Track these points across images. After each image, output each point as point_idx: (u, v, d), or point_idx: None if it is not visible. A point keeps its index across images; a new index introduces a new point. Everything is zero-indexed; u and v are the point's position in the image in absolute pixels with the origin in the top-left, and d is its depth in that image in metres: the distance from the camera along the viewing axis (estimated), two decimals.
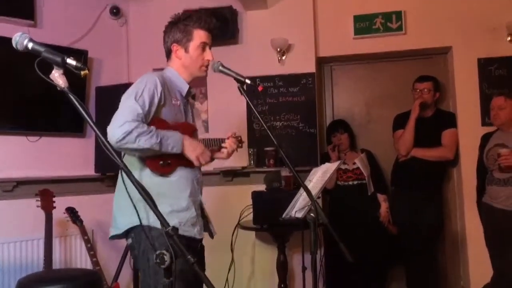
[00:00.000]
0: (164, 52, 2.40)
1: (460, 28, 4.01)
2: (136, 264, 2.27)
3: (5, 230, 3.58)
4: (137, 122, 1.97)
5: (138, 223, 2.00)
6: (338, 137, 4.11)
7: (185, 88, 2.33)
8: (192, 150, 2.20)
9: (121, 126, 1.92)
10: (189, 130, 2.31)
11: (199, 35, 2.31)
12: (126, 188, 1.64)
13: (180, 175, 2.22)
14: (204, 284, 1.44)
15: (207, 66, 2.37)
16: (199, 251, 2.39)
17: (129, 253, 3.31)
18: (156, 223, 2.05)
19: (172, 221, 2.09)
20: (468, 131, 3.92)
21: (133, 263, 2.33)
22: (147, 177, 2.13)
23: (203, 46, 2.33)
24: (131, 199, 1.63)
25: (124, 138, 1.92)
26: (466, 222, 3.93)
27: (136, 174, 1.94)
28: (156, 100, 2.12)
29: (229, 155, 2.55)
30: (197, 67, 2.35)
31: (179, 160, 2.19)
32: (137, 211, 1.67)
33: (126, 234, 2.19)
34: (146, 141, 1.99)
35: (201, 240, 2.36)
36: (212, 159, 2.43)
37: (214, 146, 2.60)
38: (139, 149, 1.99)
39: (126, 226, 2.15)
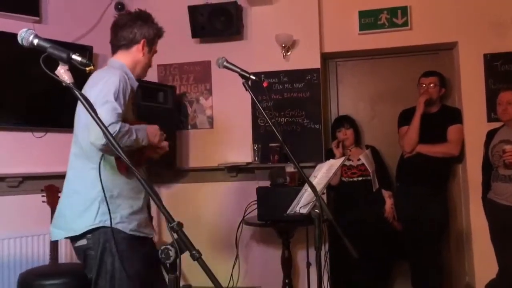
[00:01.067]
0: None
1: (466, 24, 3.99)
2: (88, 266, 2.17)
3: (11, 225, 3.61)
4: (120, 123, 1.95)
5: (100, 225, 2.07)
6: (343, 132, 4.10)
7: (135, 84, 2.29)
8: (154, 135, 2.20)
9: (108, 128, 1.88)
10: None
11: (157, 42, 2.39)
12: (102, 187, 1.59)
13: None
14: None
15: (146, 71, 2.40)
16: (153, 247, 2.39)
17: None
18: (121, 226, 2.12)
19: (132, 224, 2.16)
20: (474, 127, 3.90)
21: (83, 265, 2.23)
22: (113, 177, 2.12)
23: (155, 53, 2.40)
24: (106, 199, 1.58)
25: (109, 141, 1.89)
26: (471, 218, 3.92)
27: (103, 174, 1.98)
28: (127, 97, 2.12)
29: (162, 152, 2.37)
30: (146, 69, 2.38)
31: (135, 160, 2.15)
32: (109, 212, 1.65)
33: (79, 235, 2.14)
34: (128, 140, 1.99)
35: (151, 239, 2.37)
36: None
37: None
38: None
39: (84, 228, 2.10)
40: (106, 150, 1.92)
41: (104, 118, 1.82)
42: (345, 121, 4.15)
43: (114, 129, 1.90)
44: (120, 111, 1.98)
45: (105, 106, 1.94)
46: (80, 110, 2.14)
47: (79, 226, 2.10)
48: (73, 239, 2.17)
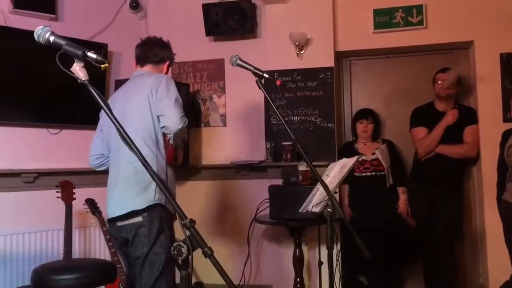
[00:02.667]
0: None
1: (482, 22, 3.93)
2: (137, 243, 2.44)
3: (26, 220, 3.65)
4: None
5: (157, 201, 2.42)
6: (364, 124, 4.06)
7: None
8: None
9: (182, 117, 2.45)
10: None
11: None
12: (148, 171, 1.63)
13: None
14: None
15: None
16: None
17: None
18: (169, 206, 2.47)
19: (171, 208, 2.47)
20: (489, 127, 3.86)
21: (129, 242, 2.48)
22: (163, 165, 2.55)
23: None
24: (154, 179, 1.60)
25: (183, 126, 2.44)
26: (485, 219, 3.87)
27: (158, 160, 2.49)
28: None
29: None
30: None
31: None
32: (162, 190, 1.69)
33: (130, 213, 2.42)
34: (184, 134, 2.55)
35: None
36: None
37: None
38: (181, 137, 2.56)
39: (147, 203, 2.41)
40: (177, 134, 2.47)
41: (179, 109, 2.46)
42: (369, 114, 4.12)
43: (185, 119, 2.47)
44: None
45: (176, 102, 2.47)
46: (136, 98, 2.53)
47: (142, 201, 2.41)
48: (126, 217, 2.44)
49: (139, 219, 2.41)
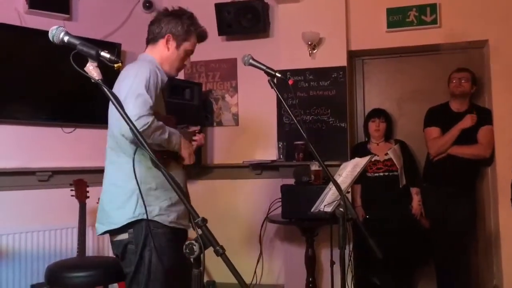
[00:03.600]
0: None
1: (496, 21, 3.89)
2: (128, 260, 2.15)
3: (40, 218, 3.69)
4: (152, 116, 1.97)
5: (139, 217, 2.06)
6: (377, 123, 4.04)
7: (165, 78, 2.27)
8: (186, 148, 2.24)
9: (138, 120, 1.89)
10: (173, 122, 2.28)
11: (193, 42, 2.35)
12: (136, 180, 1.59)
13: (174, 171, 2.19)
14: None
15: (179, 71, 2.40)
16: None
17: None
18: (160, 218, 2.11)
19: (171, 216, 2.16)
20: (504, 128, 3.82)
21: (120, 258, 2.23)
22: (151, 170, 2.10)
23: (189, 53, 2.36)
24: (140, 192, 1.57)
25: (142, 132, 1.86)
26: (500, 221, 3.83)
27: (138, 166, 2.01)
28: (158, 90, 2.13)
29: (196, 147, 2.43)
30: (175, 67, 2.34)
31: (172, 157, 2.21)
32: (145, 205, 1.63)
33: (120, 229, 2.14)
34: (159, 137, 2.02)
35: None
36: None
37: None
38: (151, 143, 1.96)
39: (124, 220, 2.10)
40: (136, 142, 1.88)
41: (137, 110, 1.91)
42: (382, 113, 4.10)
43: (146, 121, 1.92)
44: (151, 103, 2.00)
45: (138, 99, 1.96)
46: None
47: (120, 219, 2.11)
48: (114, 233, 2.17)
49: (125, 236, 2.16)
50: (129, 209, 2.08)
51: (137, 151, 1.99)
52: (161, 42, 2.28)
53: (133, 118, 1.77)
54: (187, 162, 2.26)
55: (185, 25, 2.28)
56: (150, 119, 1.95)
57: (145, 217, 2.00)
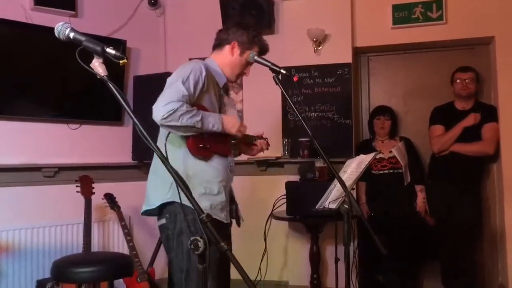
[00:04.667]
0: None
1: (503, 17, 3.86)
2: (168, 245, 2.26)
3: (46, 214, 3.72)
4: (181, 102, 2.05)
5: (172, 199, 2.16)
6: (382, 120, 4.03)
7: (223, 81, 2.43)
8: (232, 126, 2.31)
9: (166, 105, 2.01)
10: None
11: (254, 50, 2.44)
12: (166, 167, 1.60)
13: (216, 162, 2.29)
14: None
15: (239, 77, 2.53)
16: (228, 236, 2.43)
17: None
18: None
19: (204, 203, 2.18)
20: (510, 124, 3.80)
21: (163, 244, 2.32)
22: (187, 158, 2.20)
23: (250, 63, 2.46)
24: (173, 175, 1.57)
25: (168, 116, 2.00)
26: (505, 218, 3.82)
27: (178, 154, 2.18)
28: (200, 85, 2.20)
29: (257, 152, 2.69)
30: (236, 73, 2.47)
31: (216, 146, 2.28)
32: (178, 189, 1.63)
33: (159, 212, 2.25)
34: (189, 119, 2.06)
35: (228, 225, 2.40)
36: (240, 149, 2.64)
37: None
38: (183, 126, 2.06)
39: (159, 201, 2.21)
40: (165, 127, 2.07)
41: (167, 97, 2.04)
42: (387, 111, 4.09)
43: (173, 106, 2.01)
44: (185, 93, 2.09)
45: (171, 88, 2.09)
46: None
47: (156, 199, 2.22)
48: (154, 214, 2.29)
49: (163, 221, 2.26)
50: (162, 191, 2.18)
51: (174, 139, 2.16)
52: (227, 48, 2.42)
53: (162, 104, 2.01)
54: (239, 135, 2.38)
55: (250, 36, 2.43)
56: (178, 104, 2.03)
57: (177, 199, 1.90)
